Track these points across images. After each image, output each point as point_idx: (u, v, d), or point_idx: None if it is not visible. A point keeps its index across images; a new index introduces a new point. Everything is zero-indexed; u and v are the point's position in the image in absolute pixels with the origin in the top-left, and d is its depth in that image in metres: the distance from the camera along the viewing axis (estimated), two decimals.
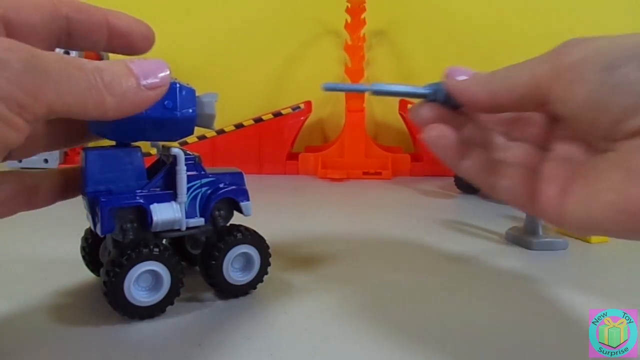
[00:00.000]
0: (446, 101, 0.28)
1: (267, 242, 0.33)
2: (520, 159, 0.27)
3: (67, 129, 0.30)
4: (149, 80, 0.23)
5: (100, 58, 0.83)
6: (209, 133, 0.83)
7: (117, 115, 0.22)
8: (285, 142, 0.85)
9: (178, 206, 0.30)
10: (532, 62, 0.24)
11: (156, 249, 0.29)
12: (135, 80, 0.23)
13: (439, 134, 0.27)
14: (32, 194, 0.28)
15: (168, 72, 0.24)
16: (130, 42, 0.28)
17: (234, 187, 0.33)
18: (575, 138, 0.24)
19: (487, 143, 0.28)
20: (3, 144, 0.19)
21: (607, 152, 0.22)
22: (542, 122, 0.27)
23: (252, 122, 0.83)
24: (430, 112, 0.28)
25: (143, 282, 0.29)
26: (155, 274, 0.29)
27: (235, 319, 0.30)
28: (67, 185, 0.29)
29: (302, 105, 0.85)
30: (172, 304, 0.30)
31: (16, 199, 0.27)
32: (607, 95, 0.20)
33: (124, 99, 0.22)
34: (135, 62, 0.23)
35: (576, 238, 0.47)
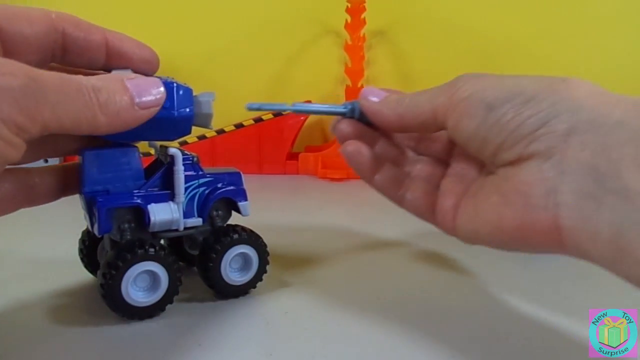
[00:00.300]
0: (361, 118, 0.30)
1: (267, 242, 0.33)
2: (424, 173, 0.30)
3: (60, 141, 0.30)
4: (144, 100, 0.24)
5: None
6: (209, 133, 0.83)
7: (108, 132, 0.23)
8: (285, 142, 0.85)
9: (176, 206, 0.30)
10: (432, 93, 0.27)
11: (152, 249, 0.29)
12: (129, 99, 0.24)
13: (354, 150, 0.29)
14: (32, 191, 0.28)
15: (163, 93, 0.25)
16: (130, 64, 0.29)
17: (231, 187, 0.33)
18: (470, 156, 0.28)
19: (398, 157, 0.31)
20: (3, 161, 0.20)
21: (492, 174, 0.25)
22: (444, 140, 0.30)
23: (252, 122, 0.83)
24: (347, 128, 0.30)
25: (141, 283, 0.29)
26: (152, 274, 0.29)
27: (235, 319, 0.30)
28: (68, 181, 0.29)
29: None
30: (171, 303, 0.30)
31: (16, 197, 0.27)
32: (488, 131, 0.23)
33: (117, 117, 0.23)
34: (132, 81, 0.24)
35: None
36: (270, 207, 0.59)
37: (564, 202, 0.21)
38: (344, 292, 0.34)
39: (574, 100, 0.22)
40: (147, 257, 0.29)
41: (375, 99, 0.29)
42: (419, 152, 0.32)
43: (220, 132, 0.83)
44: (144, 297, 0.29)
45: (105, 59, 0.28)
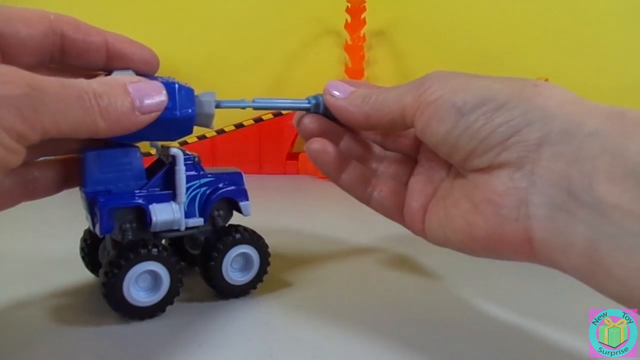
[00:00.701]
0: (326, 113, 0.29)
1: (267, 242, 0.33)
2: (392, 170, 0.29)
3: (60, 142, 0.30)
4: (145, 105, 0.24)
5: None
6: (209, 133, 0.83)
7: (108, 136, 0.23)
8: (285, 142, 0.85)
9: (177, 206, 0.30)
10: (400, 91, 0.26)
11: (155, 249, 0.29)
12: (130, 104, 0.23)
13: (319, 149, 0.28)
14: (32, 185, 0.28)
15: (165, 98, 0.25)
16: (131, 65, 0.28)
17: (233, 187, 0.33)
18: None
19: (364, 153, 0.30)
20: (5, 166, 0.20)
21: (462, 177, 0.25)
22: (412, 136, 0.29)
23: (252, 122, 0.83)
24: (312, 124, 0.29)
25: (142, 283, 0.29)
26: (154, 274, 0.29)
27: (235, 319, 0.30)
28: (68, 174, 0.29)
29: None
30: (171, 303, 0.30)
31: (16, 191, 0.27)
32: (458, 137, 0.23)
33: (117, 123, 0.23)
34: (134, 85, 0.24)
35: None
36: (270, 207, 0.59)
37: (535, 214, 0.21)
38: (344, 292, 0.34)
39: (546, 109, 0.21)
40: (150, 257, 0.29)
41: (340, 95, 0.28)
42: (387, 147, 0.31)
43: (220, 132, 0.83)
44: (145, 297, 0.29)
45: (105, 60, 0.28)
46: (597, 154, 0.19)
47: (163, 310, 0.30)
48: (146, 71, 0.28)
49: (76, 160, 0.29)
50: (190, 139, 0.83)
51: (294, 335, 0.28)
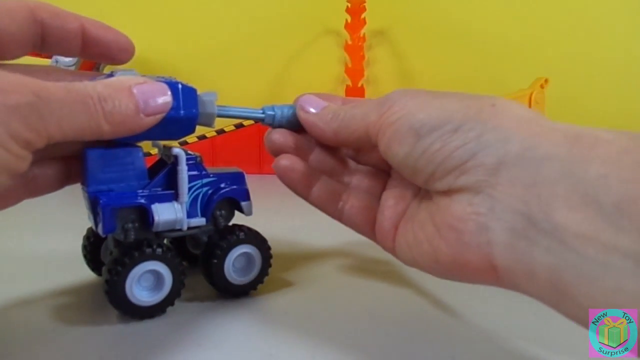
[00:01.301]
0: (289, 126, 0.29)
1: (268, 242, 0.33)
2: (364, 184, 0.29)
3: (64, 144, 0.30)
4: (149, 107, 0.24)
5: (96, 67, 0.83)
6: (209, 133, 0.83)
7: (111, 138, 0.24)
8: None
9: (179, 206, 0.30)
10: (366, 109, 0.25)
11: (158, 249, 0.29)
12: (134, 107, 0.24)
13: (287, 166, 0.28)
14: (33, 182, 0.28)
15: (170, 100, 0.25)
16: (107, 52, 0.29)
17: (235, 187, 0.33)
18: None
19: (336, 167, 0.30)
20: (13, 172, 0.20)
21: (428, 198, 0.24)
22: None
23: (252, 122, 0.83)
24: (280, 140, 0.29)
25: (145, 282, 0.29)
26: (156, 274, 0.29)
27: (235, 319, 0.30)
28: (69, 171, 0.29)
29: None
30: (173, 304, 0.30)
31: (17, 189, 0.27)
32: (416, 160, 0.22)
33: (121, 126, 0.23)
34: (140, 87, 0.24)
35: None
36: (270, 207, 0.59)
37: (496, 241, 0.20)
38: (345, 292, 0.34)
39: (502, 130, 0.21)
40: (153, 257, 0.29)
41: (312, 110, 0.28)
42: (360, 161, 0.30)
43: (220, 132, 0.83)
44: (147, 296, 0.29)
45: (82, 46, 0.28)
46: (556, 179, 0.19)
47: (164, 311, 0.30)
48: (122, 58, 0.29)
49: (76, 157, 0.29)
50: (190, 139, 0.83)
51: (294, 335, 0.28)
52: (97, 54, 0.29)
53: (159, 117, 0.25)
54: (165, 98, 0.25)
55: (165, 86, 0.25)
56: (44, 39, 0.27)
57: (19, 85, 0.20)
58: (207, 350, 0.27)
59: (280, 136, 0.29)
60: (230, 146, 0.84)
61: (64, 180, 0.29)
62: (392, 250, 0.26)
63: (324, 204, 0.29)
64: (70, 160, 0.29)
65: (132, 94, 0.24)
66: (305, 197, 0.29)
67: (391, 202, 0.27)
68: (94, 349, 0.27)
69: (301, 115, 0.28)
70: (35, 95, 0.20)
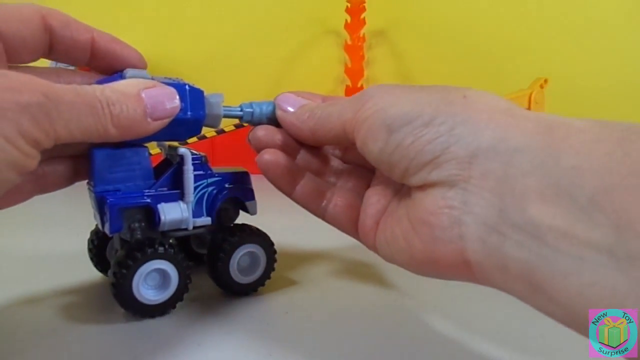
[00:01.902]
0: (269, 123, 0.29)
1: (272, 241, 0.34)
2: (350, 183, 0.29)
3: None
4: (157, 113, 0.24)
5: None
6: (209, 133, 0.83)
7: (117, 140, 0.24)
8: None
9: (185, 206, 0.30)
10: (342, 106, 0.25)
11: (163, 248, 0.29)
12: (142, 111, 0.24)
13: (270, 160, 0.27)
14: (42, 180, 0.28)
15: (178, 104, 0.26)
16: (115, 65, 0.29)
17: (240, 186, 0.33)
18: None
19: (321, 166, 0.30)
20: (22, 170, 0.21)
21: (407, 194, 0.24)
22: None
23: None
24: (266, 136, 0.28)
25: (151, 281, 0.29)
26: (163, 273, 0.30)
27: (235, 319, 0.30)
28: (77, 168, 0.29)
29: None
30: (181, 300, 0.31)
31: (26, 186, 0.27)
32: (390, 156, 0.22)
33: (128, 129, 0.23)
34: (149, 91, 0.24)
35: None
36: (270, 207, 0.59)
37: (468, 235, 0.20)
38: (345, 292, 0.35)
39: (473, 123, 0.20)
40: (159, 256, 0.29)
41: (290, 109, 0.28)
42: (345, 160, 0.30)
43: (220, 132, 0.83)
44: (154, 295, 0.29)
45: (90, 57, 0.28)
46: (528, 170, 0.18)
47: (173, 308, 0.30)
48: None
49: (85, 155, 0.29)
50: (191, 139, 0.83)
51: (294, 335, 0.28)
52: (105, 66, 0.29)
53: (166, 121, 0.25)
54: (173, 103, 0.25)
55: (174, 91, 0.25)
56: (53, 46, 0.27)
57: (30, 86, 0.20)
58: (207, 350, 0.27)
59: (267, 133, 0.29)
60: (230, 146, 0.84)
61: (73, 177, 0.29)
62: (374, 248, 0.26)
63: (308, 202, 0.28)
64: (79, 158, 0.29)
65: (140, 98, 0.24)
66: (289, 193, 0.29)
67: (374, 199, 0.26)
68: (95, 348, 0.27)
69: (279, 114, 0.28)
70: (45, 96, 0.20)
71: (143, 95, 0.24)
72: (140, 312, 0.29)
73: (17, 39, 0.25)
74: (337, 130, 0.25)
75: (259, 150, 0.28)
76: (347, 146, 0.29)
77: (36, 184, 0.28)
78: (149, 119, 0.24)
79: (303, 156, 0.29)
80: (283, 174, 0.28)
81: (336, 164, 0.30)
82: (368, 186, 0.28)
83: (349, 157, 0.30)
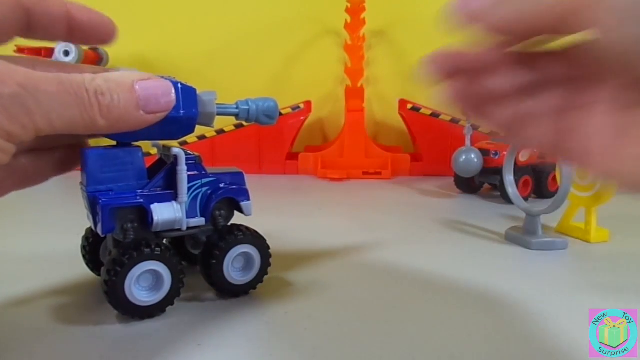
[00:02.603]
0: (266, 120, 0.30)
1: (267, 242, 0.33)
2: (551, 102, 0.22)
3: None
4: (151, 106, 0.23)
5: (99, 58, 0.83)
6: (209, 133, 0.83)
7: (108, 133, 0.23)
8: (285, 142, 0.85)
9: (179, 206, 0.30)
10: None
11: (157, 249, 0.29)
12: (135, 104, 0.23)
13: (459, 88, 0.22)
14: (21, 174, 0.27)
15: (173, 99, 0.25)
16: (92, 35, 0.28)
17: (234, 187, 0.33)
18: (618, 73, 0.19)
19: (515, 90, 0.22)
20: None
21: None
22: (577, 53, 0.21)
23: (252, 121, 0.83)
24: (448, 61, 0.23)
25: (144, 282, 0.29)
26: (156, 274, 0.29)
27: (235, 319, 0.30)
28: (58, 161, 0.28)
29: (302, 105, 0.85)
30: (172, 304, 0.30)
31: (5, 181, 0.26)
32: None
33: (118, 121, 0.22)
34: (143, 83, 0.23)
35: (576, 238, 0.47)
36: (270, 207, 0.59)
37: None
38: (344, 292, 0.34)
39: None
40: (152, 257, 0.29)
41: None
42: (543, 71, 0.22)
43: (220, 132, 0.83)
44: (147, 296, 0.29)
45: (67, 31, 0.27)
46: None
47: (163, 310, 0.30)
48: (106, 40, 0.28)
49: (70, 147, 0.29)
50: (190, 139, 0.83)
51: (294, 335, 0.28)
52: (82, 37, 0.28)
53: (160, 115, 0.24)
54: (169, 97, 0.24)
55: (169, 84, 0.25)
56: (29, 25, 0.26)
57: (3, 75, 0.19)
58: (207, 350, 0.27)
59: (445, 59, 0.23)
60: (230, 146, 0.84)
61: (53, 171, 0.28)
62: (614, 171, 0.20)
63: (508, 130, 0.23)
64: (64, 150, 0.28)
65: (134, 89, 0.23)
66: (486, 118, 0.23)
67: (599, 118, 0.20)
68: (94, 349, 0.27)
69: (465, 8, 0.20)
70: (20, 86, 0.19)
71: (137, 86, 0.23)
72: (131, 312, 0.29)
73: None
74: (550, 15, 0.19)
75: (439, 78, 0.23)
76: (543, 54, 0.22)
77: (14, 178, 0.26)
78: (141, 112, 0.23)
79: (492, 78, 0.22)
80: (475, 102, 0.22)
81: (533, 76, 0.22)
82: (580, 99, 0.21)
83: (541, 70, 0.22)
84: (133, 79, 0.23)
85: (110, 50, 0.86)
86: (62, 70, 0.27)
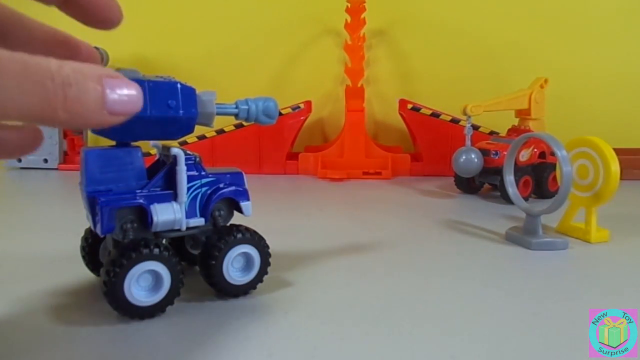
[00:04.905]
0: (266, 119, 0.31)
1: (267, 242, 0.33)
2: None
3: None
4: (116, 107, 0.21)
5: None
6: (209, 133, 0.83)
7: (62, 127, 0.21)
8: (285, 142, 0.85)
9: (178, 206, 0.30)
10: None
11: (156, 249, 0.29)
12: (101, 102, 0.20)
13: None
14: None
15: (140, 102, 0.22)
16: (89, 10, 0.25)
17: (234, 187, 0.33)
18: None
19: None
20: None
21: None
22: None
23: (252, 121, 0.83)
24: None
25: (143, 282, 0.29)
26: (155, 274, 0.29)
27: (235, 319, 0.30)
28: (28, 140, 0.25)
29: (302, 105, 0.85)
30: (172, 304, 0.30)
31: None
32: None
33: (79, 117, 0.20)
34: (111, 81, 0.21)
35: (576, 238, 0.47)
36: (270, 207, 0.59)
37: None
38: (344, 292, 0.34)
39: None
40: (151, 257, 0.29)
41: None
42: None
43: (220, 132, 0.83)
44: (146, 296, 0.29)
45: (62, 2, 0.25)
46: None
47: (163, 311, 0.30)
48: (106, 21, 0.25)
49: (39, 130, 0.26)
50: (190, 139, 0.83)
51: (294, 335, 0.28)
52: (78, 12, 0.25)
53: (123, 118, 0.21)
54: (137, 100, 0.22)
55: (138, 87, 0.22)
56: None
57: None
58: (207, 350, 0.27)
59: None
60: (230, 146, 0.84)
61: (21, 148, 0.25)
62: None
63: None
64: (29, 130, 0.25)
65: (101, 85, 0.20)
66: None
67: None
68: (94, 349, 0.27)
69: None
70: None
71: (105, 84, 0.20)
72: (130, 313, 0.29)
73: None
74: None
75: None
76: None
77: None
78: (105, 112, 0.21)
79: None
80: None
81: None
82: None
83: None
84: (101, 73, 0.21)
85: (111, 50, 0.87)
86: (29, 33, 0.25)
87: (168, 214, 0.30)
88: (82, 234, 0.35)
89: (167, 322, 0.30)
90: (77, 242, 0.35)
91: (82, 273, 0.35)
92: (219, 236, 0.32)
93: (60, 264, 0.38)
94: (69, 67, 0.19)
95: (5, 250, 0.43)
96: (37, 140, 0.25)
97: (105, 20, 0.25)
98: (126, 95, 0.21)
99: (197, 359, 0.26)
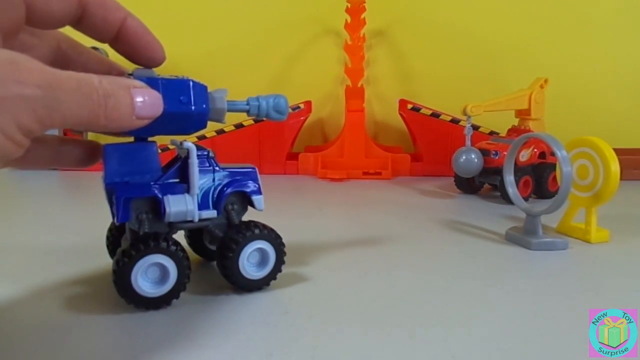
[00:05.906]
0: (276, 116, 0.32)
1: (282, 239, 0.34)
2: None
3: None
4: (143, 113, 0.25)
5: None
6: (209, 133, 0.83)
7: (101, 132, 0.25)
8: (285, 142, 0.85)
9: (190, 198, 0.31)
10: None
11: (164, 243, 0.30)
12: (131, 109, 0.24)
13: None
14: (59, 156, 0.29)
15: (160, 109, 0.26)
16: (137, 52, 0.29)
17: (246, 181, 0.34)
18: None
19: None
20: (10, 158, 0.21)
21: None
22: None
23: (252, 122, 0.83)
24: None
25: (151, 274, 0.30)
26: (162, 267, 0.30)
27: (235, 319, 0.30)
28: (92, 155, 0.30)
29: (302, 105, 0.85)
30: (177, 297, 0.31)
31: (45, 157, 0.29)
32: None
33: (115, 122, 0.24)
34: (138, 91, 0.25)
35: (576, 238, 0.47)
36: (269, 207, 0.59)
37: None
38: (344, 292, 0.34)
39: None
40: (159, 250, 0.30)
41: None
42: None
43: (220, 132, 0.83)
44: (152, 288, 0.30)
45: (115, 38, 0.28)
46: None
47: (169, 303, 0.31)
48: (149, 63, 0.30)
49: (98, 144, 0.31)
50: (190, 138, 0.82)
51: (294, 335, 0.28)
52: (127, 51, 0.29)
53: (147, 121, 0.26)
54: (158, 105, 0.26)
55: (159, 96, 0.26)
56: (81, 21, 0.27)
57: (33, 75, 0.20)
58: (207, 350, 0.27)
59: None
60: (230, 146, 0.84)
61: (85, 161, 0.30)
62: None
63: None
64: (94, 145, 0.30)
65: (132, 96, 0.24)
66: None
67: None
68: (94, 347, 0.27)
69: None
70: (49, 88, 0.20)
71: (133, 93, 0.24)
72: (136, 302, 0.30)
73: (45, 13, 0.25)
74: None
75: None
76: None
77: (54, 158, 0.29)
78: (134, 117, 0.25)
79: None
80: None
81: None
82: None
83: None
84: (129, 84, 0.25)
85: (110, 50, 0.86)
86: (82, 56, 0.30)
87: (180, 205, 0.30)
88: (110, 224, 0.36)
89: (169, 317, 0.30)
90: (76, 240, 0.35)
91: (85, 268, 0.36)
92: (237, 230, 0.33)
93: (82, 253, 0.39)
94: (106, 81, 0.23)
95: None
96: (96, 154, 0.30)
97: (149, 59, 0.30)
98: (150, 102, 0.25)
99: (197, 359, 0.26)
